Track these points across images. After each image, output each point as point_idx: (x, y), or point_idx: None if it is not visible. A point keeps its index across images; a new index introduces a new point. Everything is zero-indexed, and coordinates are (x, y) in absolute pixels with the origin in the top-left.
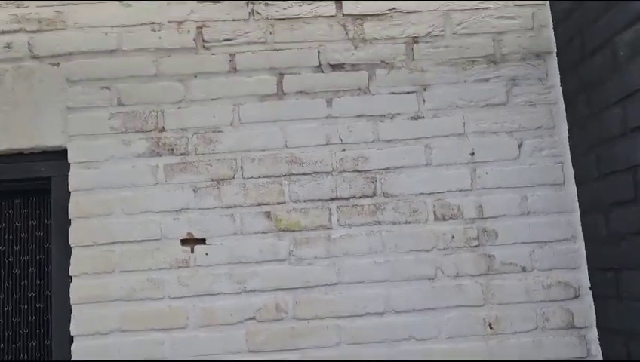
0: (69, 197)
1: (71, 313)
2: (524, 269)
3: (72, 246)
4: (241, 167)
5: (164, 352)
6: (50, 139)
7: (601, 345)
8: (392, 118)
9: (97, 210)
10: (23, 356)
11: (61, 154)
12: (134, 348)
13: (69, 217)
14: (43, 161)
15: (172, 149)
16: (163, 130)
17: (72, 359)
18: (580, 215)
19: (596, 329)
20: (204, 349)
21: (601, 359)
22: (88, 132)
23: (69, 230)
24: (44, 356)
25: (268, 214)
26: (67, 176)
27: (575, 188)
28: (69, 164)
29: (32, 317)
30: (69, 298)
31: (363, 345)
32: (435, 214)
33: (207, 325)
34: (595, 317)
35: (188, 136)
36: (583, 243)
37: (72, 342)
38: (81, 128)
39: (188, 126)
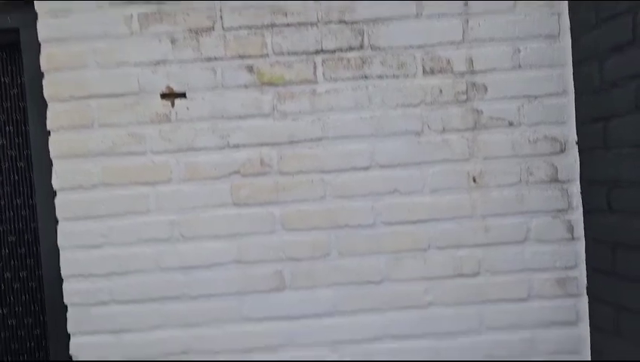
0: (39, 49)
1: (52, 167)
2: (511, 124)
3: (47, 100)
4: (221, 17)
5: (150, 205)
6: None
7: (582, 197)
8: None
9: (70, 62)
10: (8, 213)
11: (28, 3)
12: (119, 201)
13: (42, 70)
14: (9, 11)
15: None
16: None
17: (57, 213)
18: (573, 66)
19: (579, 183)
20: (189, 203)
21: (581, 210)
22: None
23: (43, 83)
24: (29, 214)
25: (250, 67)
26: (36, 26)
27: (570, 40)
28: (37, 13)
29: (14, 176)
30: (48, 153)
31: (348, 198)
32: (423, 68)
33: (192, 179)
34: (579, 170)
35: None
36: (574, 97)
37: (56, 196)
38: None
39: None
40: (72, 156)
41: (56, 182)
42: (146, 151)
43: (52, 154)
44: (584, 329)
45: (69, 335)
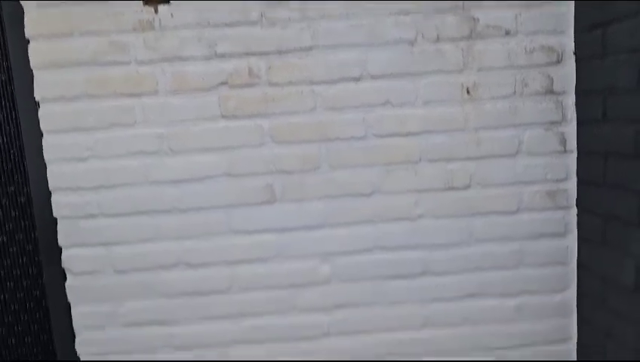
0: None
1: (33, 78)
2: (507, 33)
3: (23, 6)
4: None
5: (136, 118)
6: None
7: (577, 108)
8: None
9: None
10: None
11: None
12: (104, 113)
13: None
14: None
15: None
16: None
17: (41, 125)
18: None
19: (574, 94)
20: (177, 115)
21: (575, 122)
22: None
23: None
24: (12, 128)
25: None
26: None
27: None
28: None
29: None
30: (29, 63)
31: (339, 109)
32: None
33: (178, 90)
34: (575, 81)
35: None
36: (573, 3)
37: (39, 107)
38: None
39: None
40: (53, 66)
41: (38, 93)
42: (130, 60)
43: (32, 64)
44: (572, 240)
45: (60, 249)
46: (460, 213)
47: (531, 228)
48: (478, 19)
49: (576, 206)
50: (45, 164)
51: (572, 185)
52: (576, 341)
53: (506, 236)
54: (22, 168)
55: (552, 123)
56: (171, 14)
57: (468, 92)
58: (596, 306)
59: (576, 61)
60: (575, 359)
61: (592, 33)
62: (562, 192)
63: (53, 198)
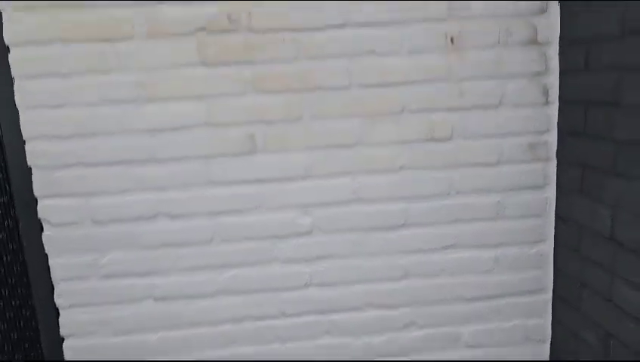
0: None
1: (2, 21)
2: None
3: None
4: None
5: (111, 64)
6: None
7: (560, 57)
8: None
9: None
10: None
11: None
12: (78, 59)
13: None
14: None
15: None
16: None
17: (12, 71)
18: None
19: (558, 45)
20: (154, 61)
21: (557, 73)
22: None
23: None
24: None
25: None
26: None
27: None
28: None
29: None
30: None
31: (321, 58)
32: None
33: (155, 35)
34: (559, 31)
35: None
36: None
37: (9, 51)
38: None
39: None
40: (24, 7)
41: (8, 35)
42: (104, 4)
43: (1, 6)
44: (551, 192)
45: (36, 199)
46: (441, 165)
47: (511, 181)
48: None
49: (556, 158)
50: (18, 111)
51: (553, 137)
52: (552, 291)
53: (486, 188)
54: None
55: (536, 73)
56: None
57: (452, 41)
58: (572, 256)
59: (560, 9)
60: (550, 310)
61: None
62: (543, 144)
63: (28, 147)
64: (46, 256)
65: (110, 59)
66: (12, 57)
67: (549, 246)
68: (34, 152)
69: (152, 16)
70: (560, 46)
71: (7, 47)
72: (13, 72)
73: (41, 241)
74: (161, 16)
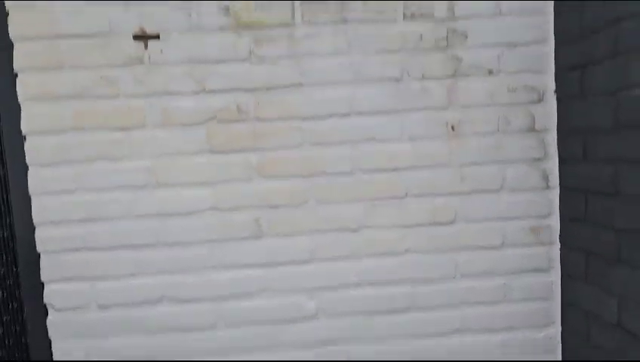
0: None
1: (20, 110)
2: (490, 72)
3: (12, 39)
4: None
5: (124, 151)
6: None
7: (558, 146)
8: None
9: None
10: None
11: None
12: (91, 146)
13: (6, 8)
14: None
15: None
16: None
17: (27, 158)
18: (554, 13)
19: (556, 132)
20: (165, 148)
21: (557, 159)
22: None
23: (8, 21)
24: None
25: (227, 9)
26: None
27: None
28: None
29: None
30: (16, 96)
31: (326, 145)
32: (404, 13)
33: (167, 124)
34: (556, 119)
35: None
36: (554, 45)
37: (25, 140)
38: None
39: None
40: (42, 99)
41: (25, 126)
42: (119, 94)
43: (20, 97)
44: (556, 276)
45: (42, 284)
46: (445, 248)
47: (515, 264)
48: (462, 59)
49: (560, 242)
50: (30, 198)
51: (555, 221)
52: None
53: (491, 271)
54: (5, 201)
55: (535, 160)
56: (161, 50)
57: (452, 128)
58: (581, 343)
59: (557, 100)
60: None
61: (571, 74)
62: (545, 228)
63: (38, 233)
64: (49, 341)
65: (123, 146)
66: (27, 146)
67: (556, 331)
68: (43, 238)
69: (165, 106)
70: (558, 134)
71: (24, 136)
72: (28, 159)
73: (45, 326)
74: (174, 106)
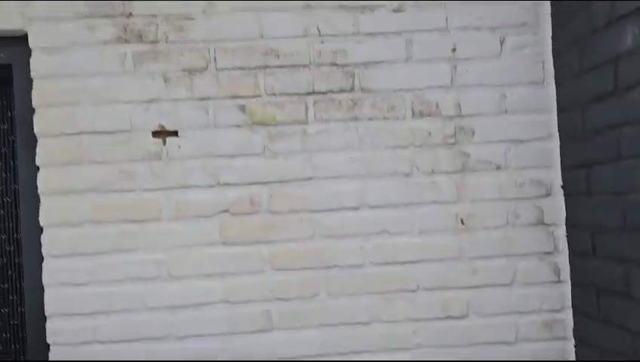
0: (31, 86)
1: (39, 204)
2: (498, 167)
3: (37, 136)
4: (214, 58)
5: (138, 243)
6: (9, 23)
7: (568, 240)
8: (373, 10)
9: (62, 98)
10: None
11: (21, 39)
12: (107, 239)
13: (33, 106)
14: (2, 46)
15: (140, 36)
16: (130, 15)
17: (43, 250)
18: (558, 112)
19: (564, 226)
20: (178, 241)
21: (567, 253)
22: (50, 16)
23: (34, 119)
24: (13, 249)
25: (242, 107)
26: (29, 62)
27: (554, 87)
28: (31, 50)
29: (0, 211)
30: (36, 189)
31: (337, 238)
32: (413, 111)
33: (181, 217)
34: (564, 214)
35: (157, 23)
36: (559, 142)
37: (42, 232)
38: (42, 11)
39: (157, 12)
40: (61, 193)
41: (43, 219)
42: (136, 188)
43: (40, 191)
44: None
45: None
46: (458, 343)
47: (530, 359)
48: (470, 154)
49: (574, 337)
50: (43, 288)
51: (568, 315)
52: None
53: None
54: (18, 290)
55: (545, 253)
56: (179, 145)
57: (462, 222)
58: None
59: (564, 195)
60: None
61: (578, 172)
62: (559, 323)
63: (48, 324)
64: None
65: (137, 238)
66: (44, 238)
67: None
68: (53, 330)
69: (180, 199)
70: (567, 228)
71: (42, 228)
72: (44, 251)
73: None
74: (189, 199)
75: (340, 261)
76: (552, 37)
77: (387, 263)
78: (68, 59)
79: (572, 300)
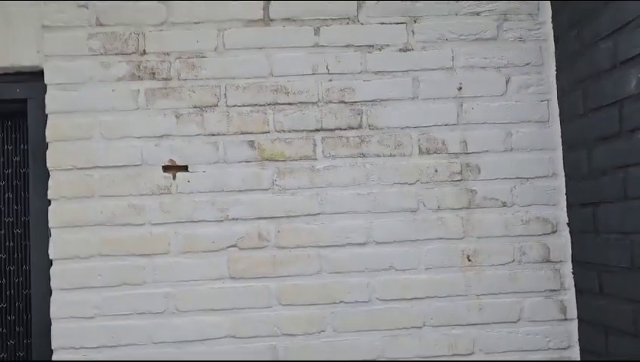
0: (46, 120)
1: (49, 237)
2: (504, 204)
3: (49, 169)
4: (225, 95)
5: (146, 277)
6: (25, 59)
7: (574, 278)
8: (380, 49)
9: (76, 133)
10: (1, 280)
11: (37, 75)
12: (115, 272)
13: (47, 140)
14: (18, 82)
15: (153, 73)
16: (144, 53)
17: (52, 283)
18: (563, 151)
19: (571, 264)
20: (186, 275)
21: (574, 290)
22: (65, 52)
23: (47, 153)
24: (22, 281)
25: (252, 143)
26: (44, 97)
27: (559, 125)
28: (46, 86)
29: (9, 243)
30: (47, 222)
31: (344, 273)
32: (419, 148)
33: (189, 251)
34: (570, 251)
35: (170, 61)
36: (564, 180)
37: (52, 265)
38: (57, 48)
39: (170, 50)
40: (71, 226)
41: (53, 252)
42: (145, 222)
43: (51, 224)
44: None
45: None
46: None
47: None
48: (476, 191)
49: None
50: (50, 320)
51: (575, 353)
52: None
53: None
54: (25, 322)
55: (552, 291)
56: (188, 180)
57: (469, 259)
58: None
59: (570, 233)
60: None
61: (584, 210)
62: (566, 361)
63: (55, 357)
64: None
65: (145, 272)
66: (53, 271)
67: None
68: None
69: (189, 234)
70: (573, 266)
71: (51, 261)
72: (52, 284)
73: None
74: (197, 233)
75: (346, 297)
76: (556, 77)
77: (394, 299)
78: (82, 95)
79: (579, 338)
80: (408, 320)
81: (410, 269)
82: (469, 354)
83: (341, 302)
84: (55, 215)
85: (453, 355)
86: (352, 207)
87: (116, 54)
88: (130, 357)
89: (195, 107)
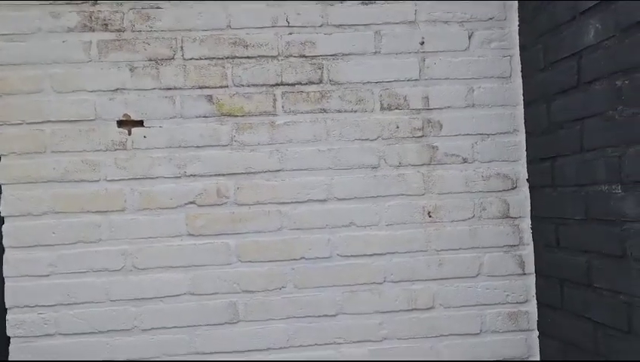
0: None
1: (1, 193)
2: (465, 160)
3: None
4: (181, 47)
5: (102, 234)
6: None
7: (532, 233)
8: (342, 2)
9: (25, 86)
10: None
11: None
12: (70, 229)
13: None
14: None
15: (106, 25)
16: (95, 3)
17: (4, 241)
18: (524, 107)
19: (530, 219)
20: (143, 232)
21: (532, 245)
22: (11, 1)
23: None
24: None
25: (209, 98)
26: None
27: (521, 81)
28: None
29: None
30: None
31: (304, 230)
32: (381, 103)
33: (146, 208)
34: (529, 207)
35: (123, 11)
36: (524, 136)
37: (3, 222)
38: None
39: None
40: (23, 182)
41: (4, 209)
42: (100, 178)
43: (1, 180)
44: None
45: None
46: (423, 335)
47: (495, 351)
48: (437, 148)
49: (537, 329)
50: (4, 280)
51: (533, 307)
52: None
53: (471, 358)
54: None
55: (510, 246)
56: (144, 136)
57: (429, 215)
58: None
59: (529, 189)
60: None
61: (542, 165)
62: (523, 314)
63: (9, 316)
64: None
65: (101, 230)
66: (5, 229)
67: None
68: (14, 322)
69: (144, 190)
70: (532, 221)
71: (2, 219)
72: (5, 242)
73: None
74: (154, 190)
75: (307, 253)
76: (518, 32)
77: (354, 255)
78: (31, 46)
79: (536, 292)
80: (369, 276)
81: (371, 225)
82: (429, 309)
83: (302, 258)
84: (5, 171)
85: (413, 310)
86: (312, 164)
87: (66, 4)
88: (87, 316)
89: (150, 60)
